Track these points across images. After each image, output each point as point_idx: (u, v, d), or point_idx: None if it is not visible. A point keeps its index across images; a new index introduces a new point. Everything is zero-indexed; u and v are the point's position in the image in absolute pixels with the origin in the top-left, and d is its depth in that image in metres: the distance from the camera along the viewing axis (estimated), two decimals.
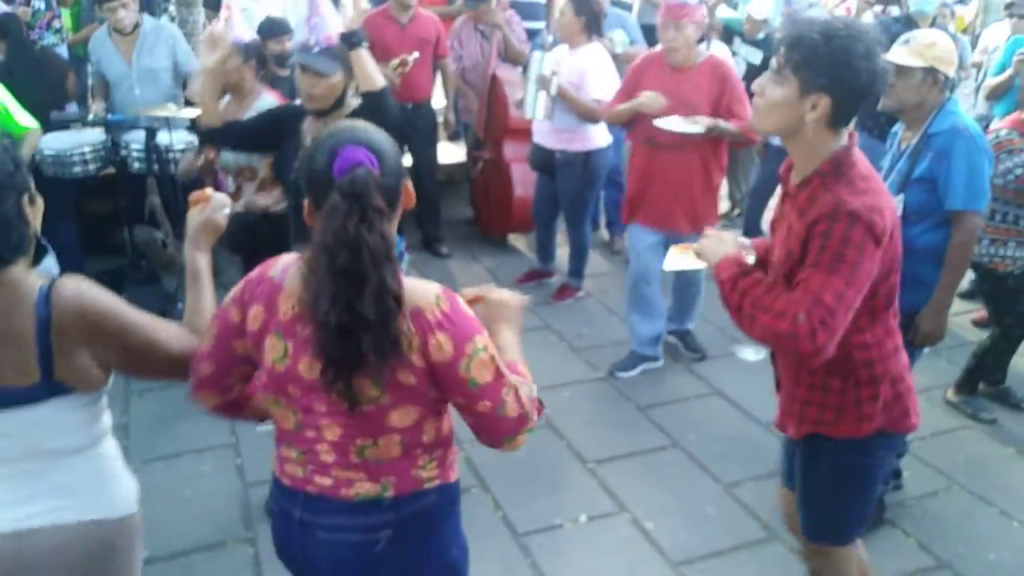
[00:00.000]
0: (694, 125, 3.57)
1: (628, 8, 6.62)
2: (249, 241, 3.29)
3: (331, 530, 1.57)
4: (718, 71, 3.75)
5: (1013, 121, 3.57)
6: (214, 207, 1.79)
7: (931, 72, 2.67)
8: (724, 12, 6.01)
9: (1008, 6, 5.39)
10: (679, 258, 2.21)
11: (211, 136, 3.04)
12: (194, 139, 4.78)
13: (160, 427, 3.64)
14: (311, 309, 1.40)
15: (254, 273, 1.57)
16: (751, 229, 5.60)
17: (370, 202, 1.37)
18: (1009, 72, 4.48)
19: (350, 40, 2.57)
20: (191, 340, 1.65)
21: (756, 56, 5.71)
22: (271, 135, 2.91)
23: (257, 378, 1.59)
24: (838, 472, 2.08)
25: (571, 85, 4.36)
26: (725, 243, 2.00)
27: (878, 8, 5.79)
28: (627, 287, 4.14)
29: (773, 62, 1.87)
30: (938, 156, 2.68)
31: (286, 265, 1.53)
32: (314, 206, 1.46)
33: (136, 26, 4.63)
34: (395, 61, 4.29)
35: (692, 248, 2.11)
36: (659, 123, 3.63)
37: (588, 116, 4.39)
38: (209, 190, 1.83)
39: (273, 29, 4.81)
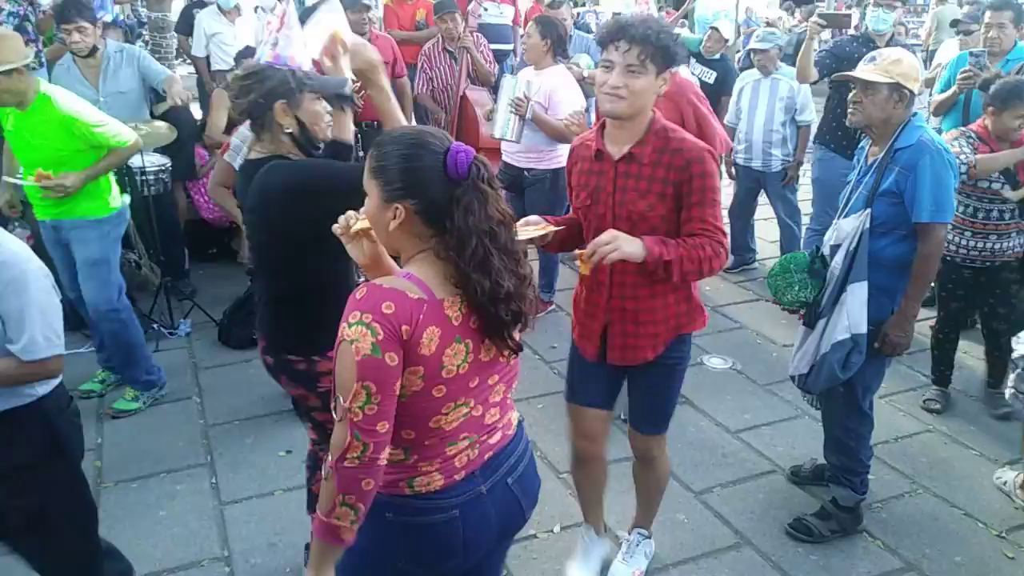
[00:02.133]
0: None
1: (591, 32, 6.77)
2: None
3: (514, 468, 1.78)
4: (675, 96, 3.67)
5: (977, 126, 3.74)
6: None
7: (897, 88, 2.73)
8: (683, 33, 6.19)
9: (954, 23, 5.55)
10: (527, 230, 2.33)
11: None
12: (166, 161, 4.82)
13: (134, 448, 3.64)
14: (493, 290, 1.55)
15: (388, 309, 1.49)
16: (738, 248, 5.73)
17: (495, 185, 1.61)
18: (953, 89, 4.62)
19: (345, 99, 2.35)
20: None
21: (710, 76, 5.88)
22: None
23: (417, 405, 1.58)
24: (674, 371, 2.60)
25: (539, 106, 4.45)
26: (630, 239, 2.25)
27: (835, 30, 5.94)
28: None
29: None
30: (904, 170, 2.73)
31: (416, 283, 1.55)
32: (419, 211, 1.56)
33: (95, 50, 4.64)
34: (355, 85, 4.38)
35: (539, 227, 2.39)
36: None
37: (558, 136, 4.48)
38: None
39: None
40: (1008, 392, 3.08)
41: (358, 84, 2.37)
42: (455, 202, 1.53)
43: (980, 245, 3.78)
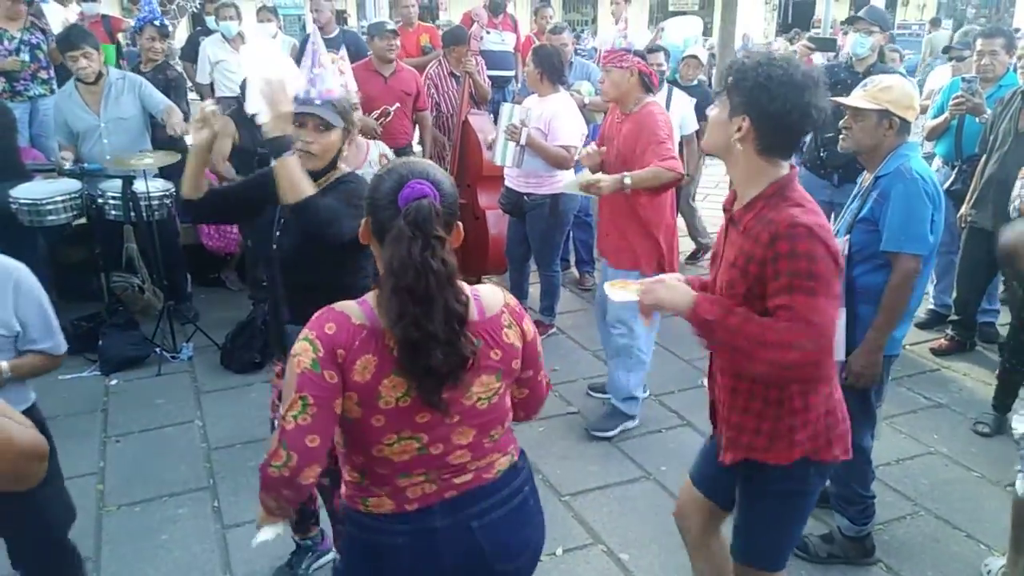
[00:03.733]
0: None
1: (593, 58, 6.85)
2: None
3: (484, 513, 1.71)
4: (641, 119, 3.68)
5: None
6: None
7: (886, 115, 2.71)
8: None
9: (946, 49, 5.62)
10: (619, 292, 2.28)
11: (195, 208, 2.55)
12: (170, 186, 4.87)
13: (136, 471, 3.64)
14: (391, 329, 1.52)
15: (329, 329, 1.54)
16: None
17: (432, 231, 1.52)
18: (945, 115, 4.67)
19: (278, 146, 2.23)
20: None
21: (689, 103, 5.95)
22: (258, 202, 2.52)
23: (359, 431, 1.60)
24: (776, 499, 2.14)
25: (538, 132, 4.51)
26: (677, 288, 2.04)
27: (831, 54, 6.01)
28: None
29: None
30: (880, 197, 2.71)
31: (364, 310, 1.58)
32: (372, 230, 1.62)
33: (100, 76, 4.70)
34: (376, 112, 4.50)
35: (632, 287, 2.20)
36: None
37: (557, 163, 4.55)
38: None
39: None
40: (1019, 481, 2.83)
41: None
42: (389, 230, 1.54)
43: None
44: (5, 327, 2.24)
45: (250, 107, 2.29)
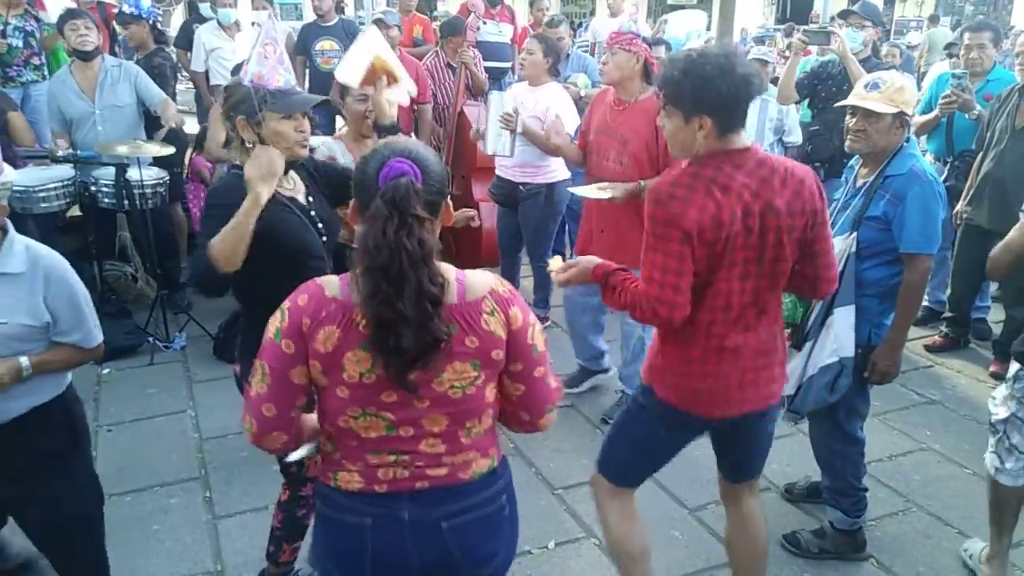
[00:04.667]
0: (602, 192, 3.57)
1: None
2: None
3: (454, 515, 1.66)
4: (651, 114, 3.53)
5: None
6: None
7: (899, 116, 2.74)
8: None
9: (947, 46, 5.62)
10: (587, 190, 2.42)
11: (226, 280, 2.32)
12: (164, 175, 4.85)
13: (128, 461, 3.63)
14: (362, 307, 1.51)
15: (301, 300, 1.57)
16: None
17: (409, 210, 1.50)
18: (935, 113, 4.66)
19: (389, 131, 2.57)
20: None
21: None
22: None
23: (327, 400, 1.62)
24: (624, 412, 2.54)
25: (536, 120, 4.48)
26: (581, 263, 2.40)
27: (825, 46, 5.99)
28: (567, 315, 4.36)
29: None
30: (894, 198, 2.72)
31: (341, 284, 1.59)
32: (359, 210, 1.60)
33: (98, 52, 4.66)
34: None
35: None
36: (574, 191, 3.80)
37: (551, 150, 4.51)
38: None
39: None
40: (987, 458, 2.90)
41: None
42: (367, 207, 1.53)
43: None
44: (34, 317, 2.19)
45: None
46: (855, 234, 2.79)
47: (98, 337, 2.37)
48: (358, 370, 1.56)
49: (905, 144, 2.79)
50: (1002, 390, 2.85)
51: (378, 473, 1.64)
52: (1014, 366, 2.81)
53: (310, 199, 2.46)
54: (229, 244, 2.12)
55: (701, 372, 2.25)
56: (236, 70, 4.93)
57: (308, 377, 1.59)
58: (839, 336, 2.78)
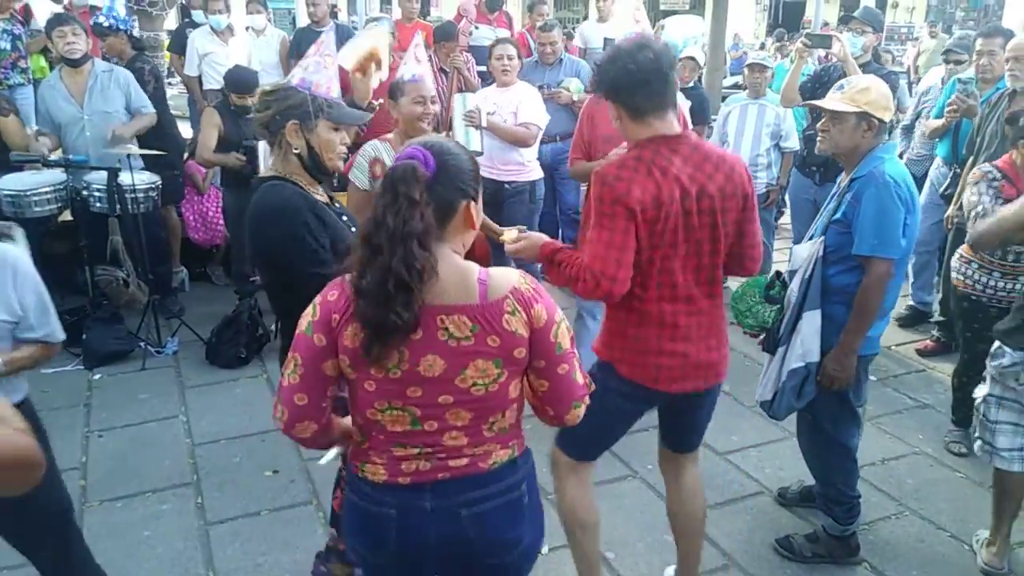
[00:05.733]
0: None
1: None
2: None
3: (473, 503, 1.71)
4: None
5: (1003, 162, 3.50)
6: None
7: (864, 117, 2.70)
8: None
9: (945, 52, 5.63)
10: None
11: None
12: (156, 179, 4.84)
13: (119, 467, 3.61)
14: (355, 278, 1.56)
15: (331, 296, 1.62)
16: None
17: (400, 189, 1.53)
18: (944, 120, 4.68)
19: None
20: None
21: (685, 105, 5.95)
22: None
23: (356, 392, 1.68)
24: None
25: (512, 116, 4.66)
26: (531, 238, 2.50)
27: (820, 53, 6.03)
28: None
29: None
30: (854, 200, 2.70)
31: None
32: None
33: (86, 58, 4.64)
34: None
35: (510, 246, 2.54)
36: None
37: (517, 140, 4.66)
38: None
39: (239, 85, 4.89)
40: (976, 444, 3.01)
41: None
42: None
43: (1008, 286, 3.57)
44: (9, 312, 2.19)
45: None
46: (823, 238, 2.79)
47: (61, 334, 2.36)
48: (385, 364, 1.61)
49: (879, 147, 2.75)
50: (988, 370, 2.95)
51: (402, 466, 1.69)
52: (992, 345, 2.91)
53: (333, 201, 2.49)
54: None
55: (658, 349, 2.36)
56: (230, 75, 4.98)
57: (338, 370, 1.65)
58: (805, 341, 2.77)
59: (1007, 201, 3.26)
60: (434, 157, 1.58)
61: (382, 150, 3.28)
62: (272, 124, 2.30)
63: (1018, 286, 3.53)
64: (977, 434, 2.98)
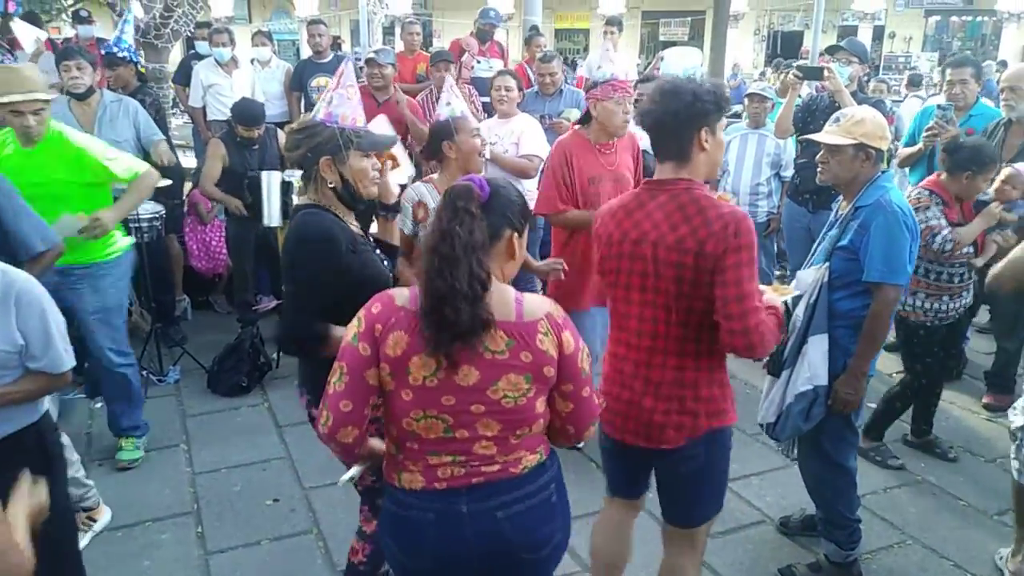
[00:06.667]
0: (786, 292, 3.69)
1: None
2: None
3: (508, 505, 1.82)
4: (634, 143, 3.91)
5: (929, 182, 3.77)
6: None
7: (861, 148, 2.79)
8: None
9: (911, 79, 5.69)
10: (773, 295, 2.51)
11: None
12: (159, 208, 4.88)
13: (119, 496, 3.60)
14: (422, 285, 1.70)
15: (375, 308, 1.77)
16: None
17: (461, 204, 1.71)
18: (920, 145, 4.73)
19: (391, 209, 2.69)
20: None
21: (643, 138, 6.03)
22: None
23: (393, 403, 1.78)
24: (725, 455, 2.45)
25: (514, 147, 4.71)
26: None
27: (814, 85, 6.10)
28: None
29: None
30: (861, 228, 2.76)
31: (411, 295, 1.77)
32: None
33: (91, 92, 4.71)
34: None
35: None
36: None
37: (520, 172, 4.71)
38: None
39: (245, 118, 4.96)
40: (1012, 464, 3.02)
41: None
42: None
43: (956, 304, 3.77)
44: (8, 343, 2.17)
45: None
46: (827, 264, 2.84)
47: (66, 363, 2.31)
48: (422, 373, 1.73)
49: (880, 175, 2.83)
50: (1021, 400, 3.01)
51: (437, 472, 1.80)
52: None
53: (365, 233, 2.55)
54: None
55: (606, 391, 2.39)
56: (236, 107, 5.05)
57: (378, 379, 1.77)
58: (812, 364, 2.81)
59: (953, 224, 3.61)
60: (488, 185, 1.77)
61: (425, 193, 3.33)
62: (305, 161, 2.37)
63: (964, 301, 3.80)
64: (1014, 455, 3.00)
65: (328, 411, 1.78)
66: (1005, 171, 3.88)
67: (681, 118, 2.17)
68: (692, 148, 2.20)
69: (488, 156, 4.55)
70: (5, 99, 3.26)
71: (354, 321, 1.79)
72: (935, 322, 3.78)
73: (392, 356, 1.73)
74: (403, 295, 1.78)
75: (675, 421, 2.28)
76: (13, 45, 6.36)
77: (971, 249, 3.72)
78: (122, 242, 3.81)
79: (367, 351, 1.74)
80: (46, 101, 3.38)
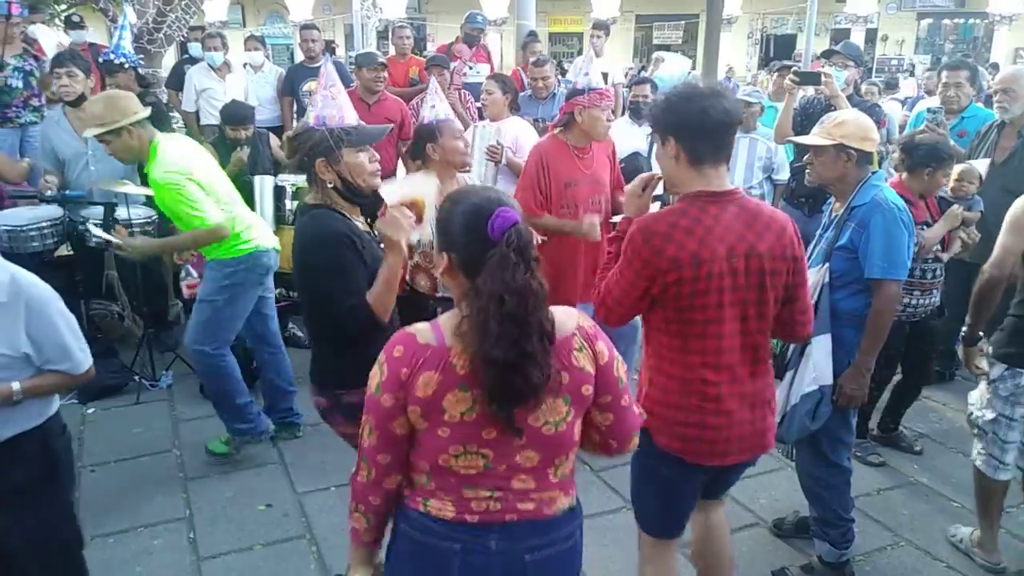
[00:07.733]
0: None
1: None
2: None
3: (538, 548, 1.73)
4: (609, 147, 4.01)
5: (892, 183, 3.73)
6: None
7: (842, 148, 2.83)
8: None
9: (887, 83, 5.71)
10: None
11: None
12: (152, 214, 4.86)
13: (111, 502, 3.59)
14: (482, 351, 1.55)
15: (396, 352, 1.64)
16: None
17: (532, 254, 1.59)
18: None
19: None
20: None
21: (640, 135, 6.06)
22: None
23: (426, 440, 1.67)
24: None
25: (509, 151, 4.71)
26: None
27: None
28: None
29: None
30: (859, 227, 2.81)
31: (434, 331, 1.65)
32: (457, 265, 1.65)
33: (83, 98, 4.70)
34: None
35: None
36: None
37: None
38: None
39: (233, 118, 4.96)
40: (980, 460, 3.16)
41: None
42: (485, 261, 1.58)
43: (926, 300, 3.81)
44: (10, 347, 2.19)
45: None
46: (827, 265, 2.88)
47: (86, 362, 2.38)
48: (458, 409, 1.62)
49: (871, 176, 2.88)
50: (979, 392, 3.09)
51: (471, 505, 1.70)
52: (997, 368, 3.02)
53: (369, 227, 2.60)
54: (389, 297, 2.36)
55: (700, 422, 2.23)
56: (225, 110, 5.04)
57: (408, 427, 1.66)
58: (817, 364, 2.84)
59: (922, 224, 3.65)
60: (516, 211, 1.62)
61: None
62: (304, 165, 2.47)
63: (932, 299, 3.84)
64: (983, 451, 3.11)
65: (368, 464, 1.72)
66: (958, 168, 3.97)
67: (735, 118, 2.19)
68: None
69: (504, 162, 4.60)
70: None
71: (375, 369, 1.67)
72: (902, 316, 3.75)
73: (423, 397, 1.61)
74: (425, 331, 1.66)
75: (771, 423, 2.36)
76: (36, 48, 6.35)
77: (938, 246, 3.81)
78: (239, 248, 3.73)
79: (389, 402, 1.64)
80: (118, 130, 3.48)
